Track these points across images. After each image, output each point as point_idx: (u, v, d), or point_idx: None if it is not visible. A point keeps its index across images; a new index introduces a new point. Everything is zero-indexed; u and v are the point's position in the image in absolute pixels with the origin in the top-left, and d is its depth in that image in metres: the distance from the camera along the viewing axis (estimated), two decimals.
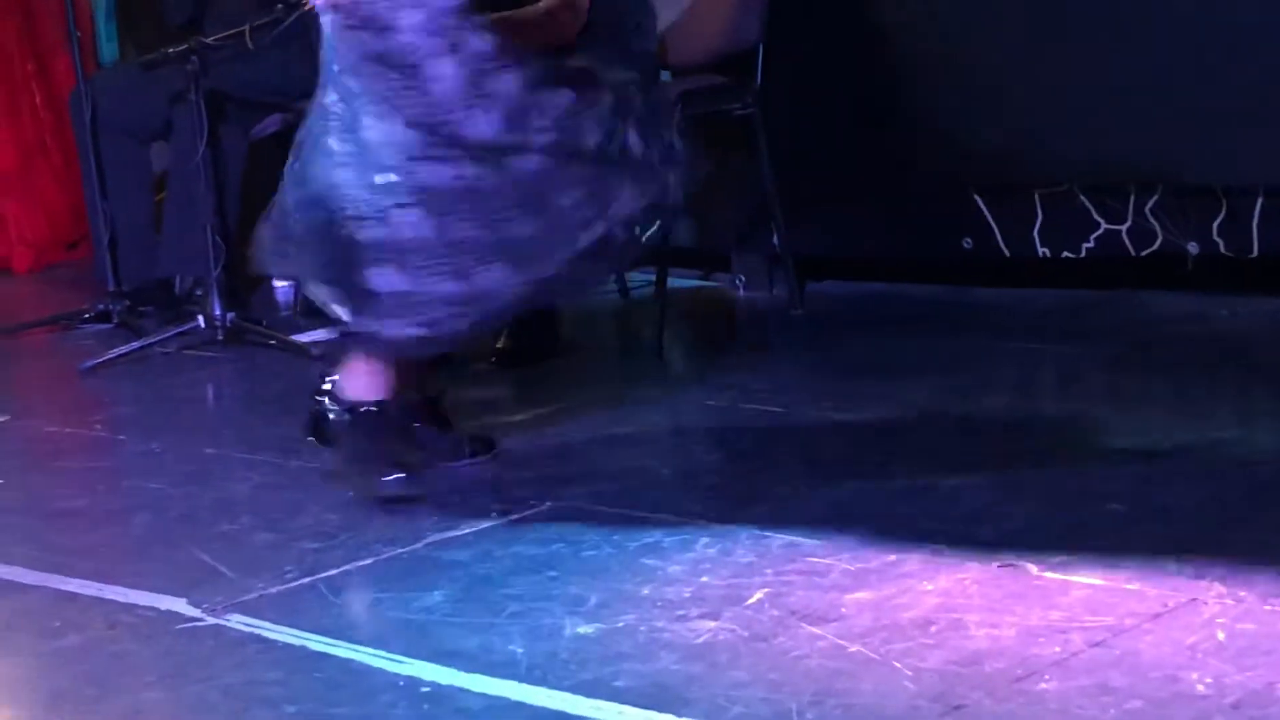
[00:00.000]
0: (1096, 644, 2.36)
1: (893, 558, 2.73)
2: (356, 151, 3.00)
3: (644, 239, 5.08)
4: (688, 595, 2.64)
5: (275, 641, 2.57)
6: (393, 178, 2.98)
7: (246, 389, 4.24)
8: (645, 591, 2.66)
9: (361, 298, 3.01)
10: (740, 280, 5.04)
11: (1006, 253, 4.61)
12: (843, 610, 2.53)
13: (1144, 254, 4.42)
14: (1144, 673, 2.26)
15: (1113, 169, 4.38)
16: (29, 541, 3.13)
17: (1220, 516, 2.85)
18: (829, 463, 3.31)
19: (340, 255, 3.01)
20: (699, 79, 4.65)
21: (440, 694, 2.34)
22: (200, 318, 4.61)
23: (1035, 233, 4.55)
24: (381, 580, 2.80)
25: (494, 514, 3.07)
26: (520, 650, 2.47)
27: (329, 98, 3.06)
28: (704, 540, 2.90)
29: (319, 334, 4.21)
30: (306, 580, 2.81)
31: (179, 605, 2.72)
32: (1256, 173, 4.21)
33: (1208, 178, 4.28)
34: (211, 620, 2.66)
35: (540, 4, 4.26)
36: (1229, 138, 4.18)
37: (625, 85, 3.18)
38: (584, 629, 2.53)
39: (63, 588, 2.86)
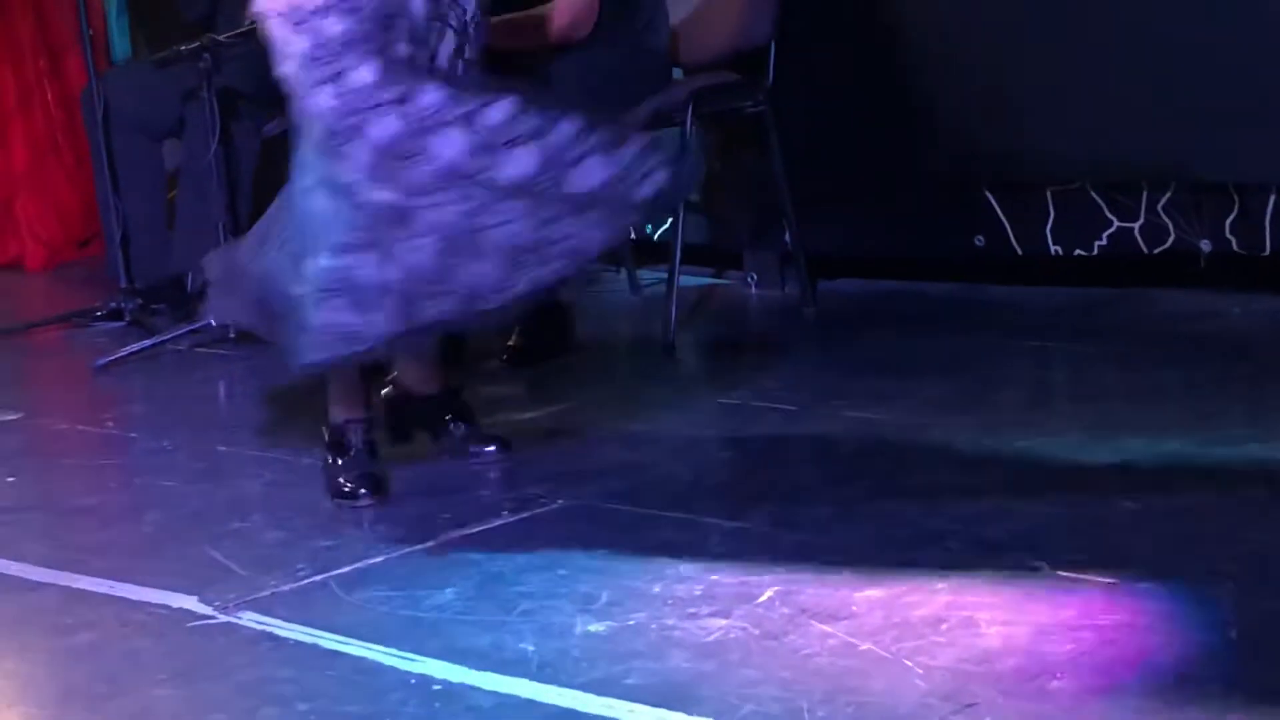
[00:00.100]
0: (1109, 642, 2.35)
1: (904, 556, 2.73)
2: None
3: (655, 236, 5.10)
4: (699, 593, 2.64)
5: (287, 639, 2.57)
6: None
7: (258, 387, 4.24)
8: (656, 589, 2.66)
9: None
10: (752, 278, 5.03)
11: (1019, 250, 4.60)
12: (854, 608, 2.53)
13: (1156, 252, 4.41)
14: (1157, 671, 2.25)
15: (1125, 167, 4.37)
16: (41, 539, 3.13)
17: (1234, 514, 2.85)
18: (840, 461, 3.31)
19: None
20: (711, 77, 4.64)
21: (451, 692, 2.34)
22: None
23: (1047, 230, 4.54)
24: (393, 578, 2.80)
25: (505, 512, 3.07)
26: (531, 648, 2.47)
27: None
28: (715, 538, 2.89)
29: None
30: (318, 578, 2.81)
31: (191, 603, 2.73)
32: (1269, 170, 4.20)
33: (1220, 175, 4.27)
34: (223, 618, 2.67)
35: (550, 4, 4.27)
36: (1242, 135, 4.17)
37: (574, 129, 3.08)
38: (595, 627, 2.53)
39: (74, 585, 2.86)
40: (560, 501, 3.12)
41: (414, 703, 2.32)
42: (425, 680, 2.38)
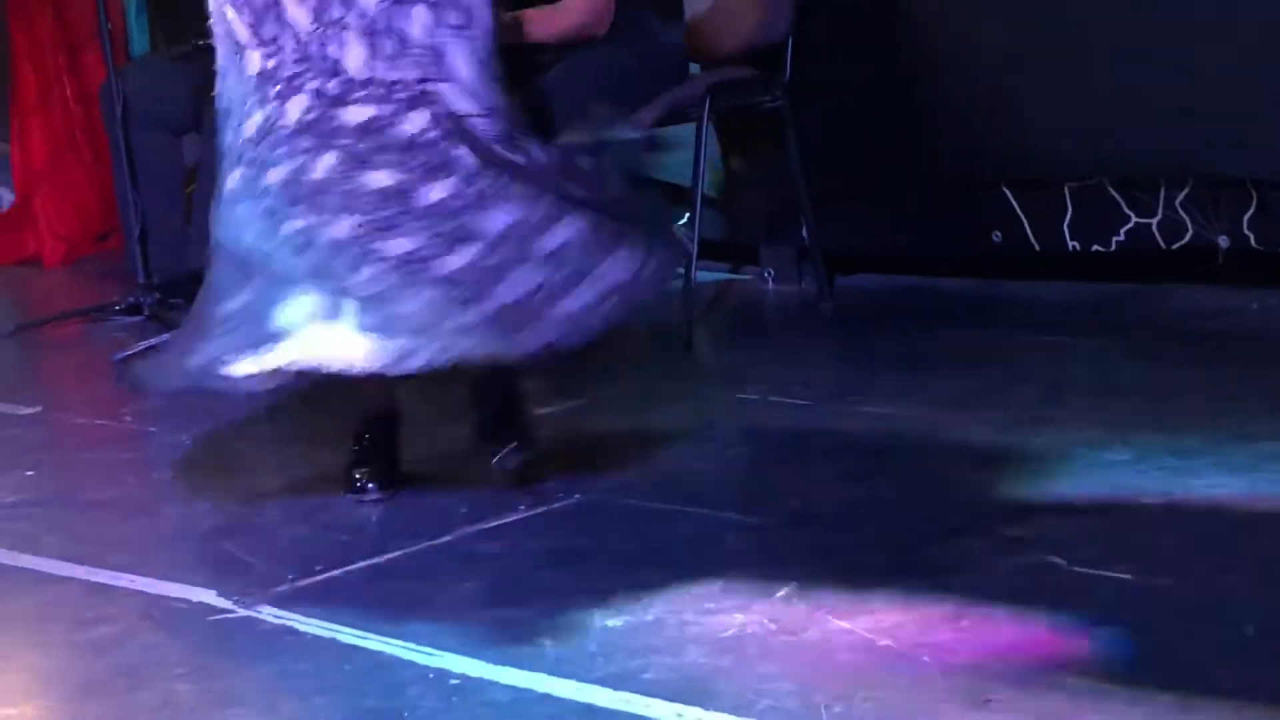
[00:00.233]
0: (1127, 639, 2.35)
1: (922, 552, 2.73)
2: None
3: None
4: (717, 588, 2.64)
5: (305, 633, 2.57)
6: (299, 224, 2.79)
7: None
8: (674, 584, 2.66)
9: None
10: (769, 274, 5.03)
11: (1036, 246, 4.60)
12: (871, 604, 2.53)
13: (1174, 247, 4.40)
14: (1175, 668, 2.25)
15: (1143, 162, 4.37)
16: (61, 532, 3.14)
17: (1252, 510, 2.84)
18: (858, 457, 3.30)
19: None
20: (728, 72, 4.64)
21: (469, 686, 2.35)
22: None
23: (1065, 226, 4.54)
24: (410, 572, 2.81)
25: (523, 506, 3.07)
26: (548, 643, 2.47)
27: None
28: (732, 534, 2.90)
29: None
30: (337, 572, 2.82)
31: (210, 597, 2.73)
32: None
33: (1238, 171, 4.26)
34: (242, 612, 2.67)
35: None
36: (1260, 130, 4.16)
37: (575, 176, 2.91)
38: (612, 622, 2.53)
39: (94, 579, 2.87)
40: (577, 496, 3.12)
41: (432, 696, 2.32)
42: (443, 674, 2.39)
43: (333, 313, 2.75)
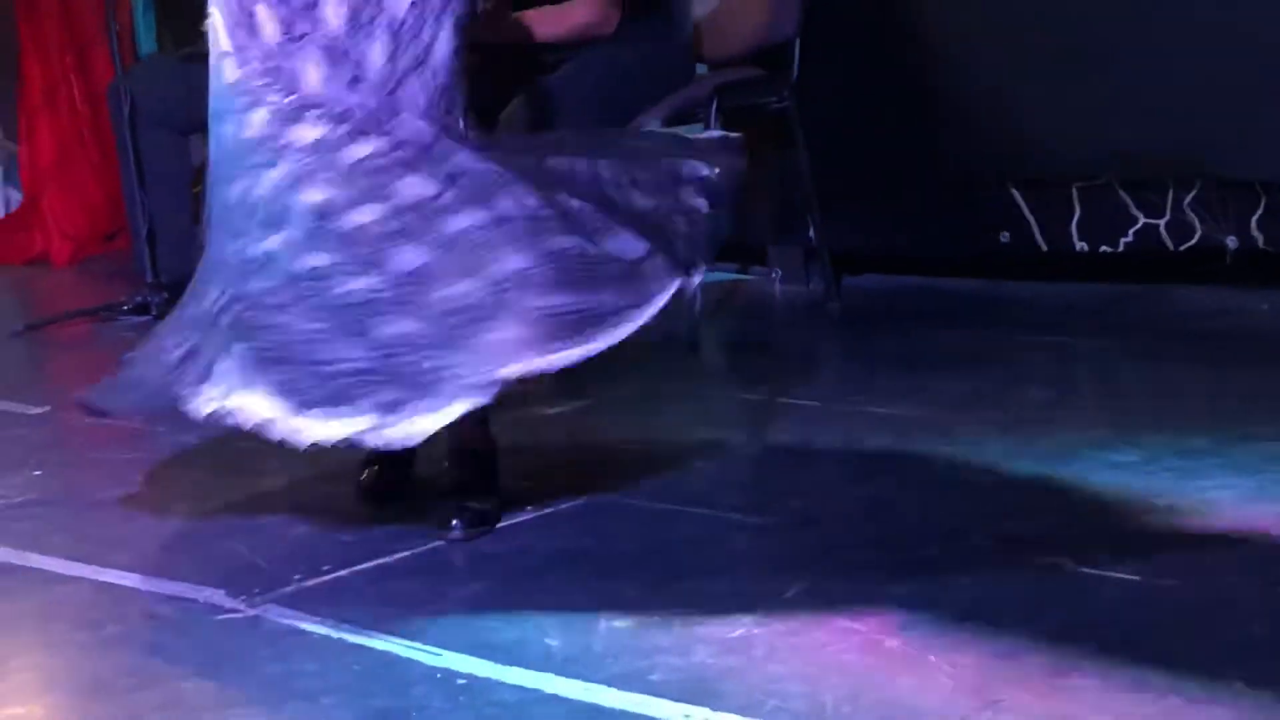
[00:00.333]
0: (1135, 641, 2.35)
1: (928, 552, 2.73)
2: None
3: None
4: (723, 589, 2.64)
5: (312, 633, 2.58)
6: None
7: None
8: (680, 585, 2.66)
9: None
10: (776, 274, 5.03)
11: (1044, 247, 4.60)
12: (878, 605, 2.53)
13: (1182, 248, 4.40)
14: (1182, 670, 2.25)
15: (1151, 163, 4.36)
16: (67, 532, 3.14)
17: (1261, 511, 2.84)
18: (864, 457, 3.30)
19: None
20: (735, 72, 4.64)
21: (476, 686, 2.35)
22: None
23: (1073, 227, 4.54)
24: (418, 572, 2.81)
25: (529, 507, 3.07)
26: (555, 643, 2.47)
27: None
28: (739, 534, 2.90)
29: None
30: (344, 572, 2.82)
31: (216, 597, 2.74)
32: None
33: (1246, 172, 4.26)
34: (249, 612, 2.67)
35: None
36: (1268, 132, 4.16)
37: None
38: (619, 622, 2.53)
39: (101, 578, 2.87)
40: (585, 497, 3.12)
41: (438, 697, 2.32)
42: (450, 674, 2.39)
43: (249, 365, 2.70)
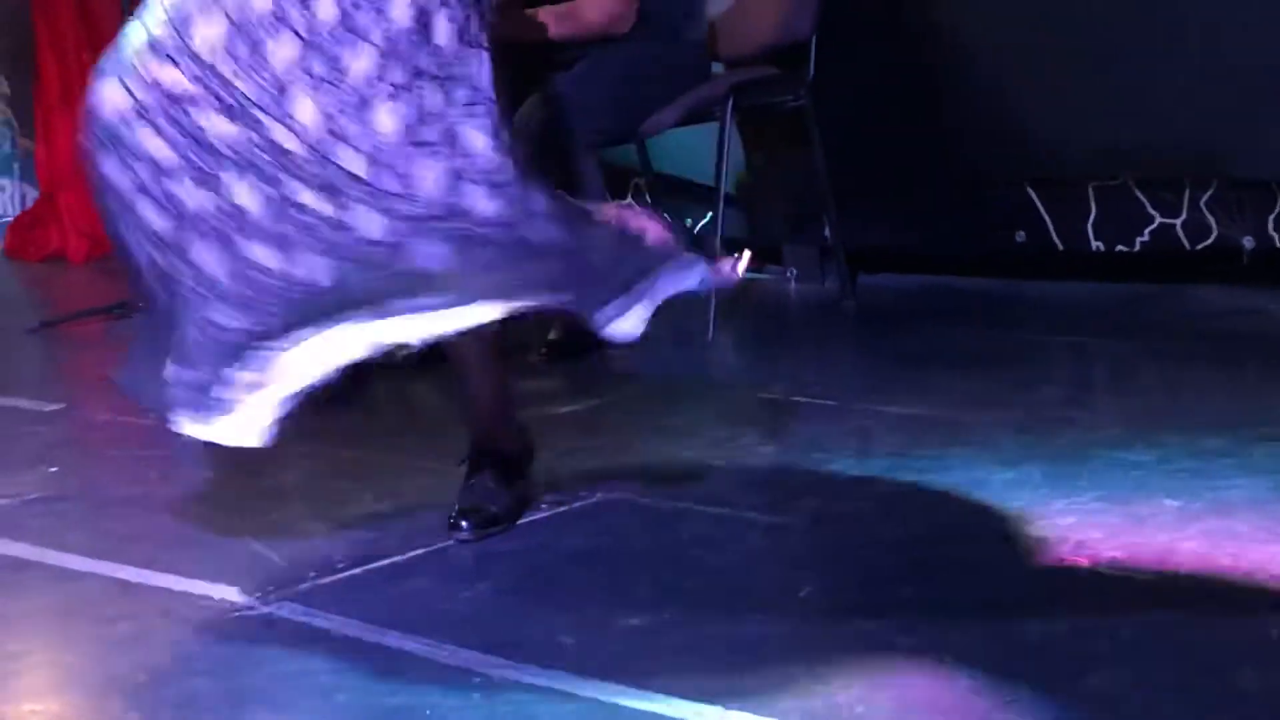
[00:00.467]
0: (1150, 639, 2.34)
1: (945, 551, 2.72)
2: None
3: (695, 230, 5.10)
4: (736, 588, 2.63)
5: (327, 631, 2.58)
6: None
7: None
8: (695, 583, 2.66)
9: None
10: (792, 273, 5.03)
11: (1060, 246, 4.59)
12: (895, 603, 2.53)
13: (1198, 248, 4.40)
14: (1197, 668, 2.24)
15: (1167, 162, 4.36)
16: (83, 529, 3.15)
17: (1275, 511, 2.83)
18: (881, 456, 3.30)
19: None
20: (751, 71, 4.64)
21: (490, 684, 2.35)
22: None
23: (1089, 226, 4.53)
24: (432, 570, 2.81)
25: (544, 505, 3.08)
26: (570, 642, 2.47)
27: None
28: (754, 533, 2.89)
29: None
30: (358, 570, 2.82)
31: (231, 594, 2.74)
32: None
33: (1263, 172, 4.25)
34: (264, 609, 2.68)
35: None
36: None
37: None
38: (633, 621, 2.53)
39: (116, 575, 2.88)
40: (599, 495, 3.12)
41: (452, 695, 2.32)
42: (464, 673, 2.39)
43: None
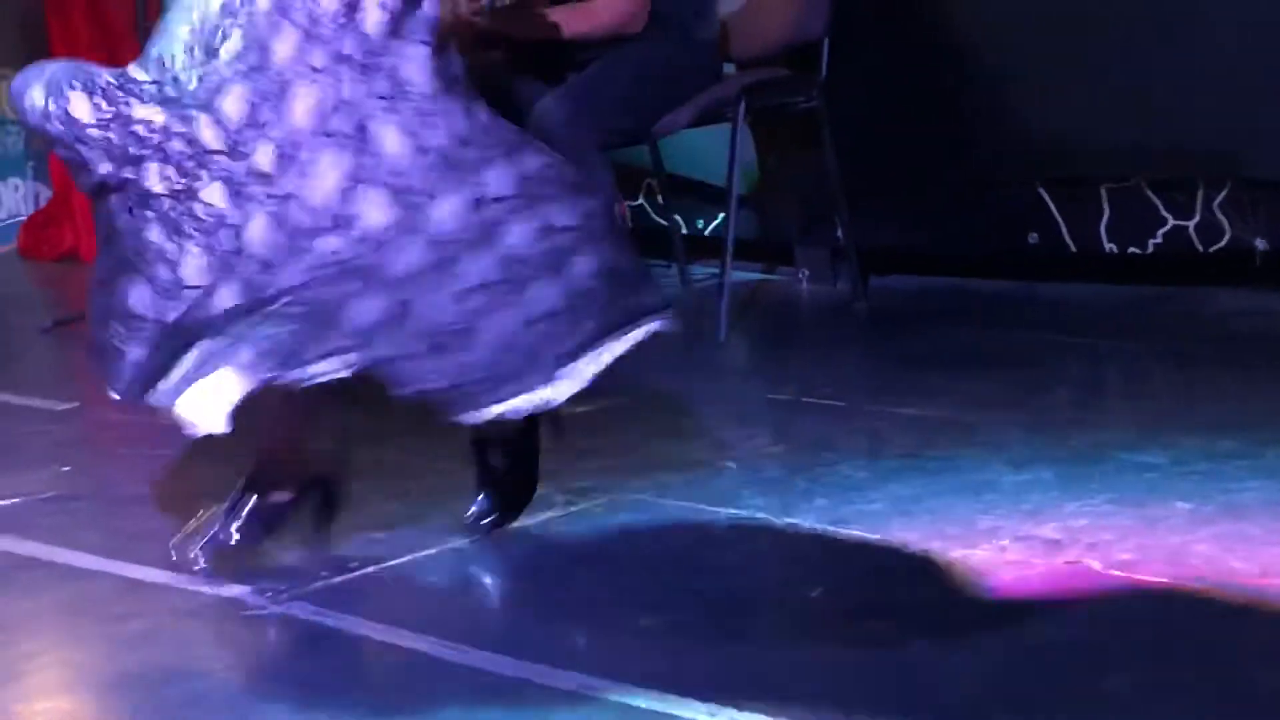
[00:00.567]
0: (1161, 640, 2.34)
1: (956, 553, 2.72)
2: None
3: (707, 232, 5.10)
4: (749, 588, 2.63)
5: (338, 630, 2.58)
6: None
7: None
8: (706, 584, 2.66)
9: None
10: (803, 274, 5.03)
11: (1072, 248, 4.59)
12: (905, 604, 2.52)
13: (1211, 250, 4.39)
14: (1210, 670, 2.24)
15: (1181, 164, 4.35)
16: (95, 527, 3.15)
17: None
18: (892, 457, 3.30)
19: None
20: (763, 71, 4.63)
21: (502, 684, 2.35)
22: None
23: (1102, 228, 4.52)
24: (444, 571, 2.81)
25: (556, 506, 3.08)
26: (582, 642, 2.47)
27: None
28: (766, 534, 2.89)
29: None
30: (370, 570, 2.82)
31: (243, 593, 2.74)
32: None
33: (1276, 173, 4.24)
34: (275, 608, 2.68)
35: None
36: None
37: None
38: (645, 621, 2.53)
39: (128, 574, 2.88)
40: (610, 496, 3.12)
41: (464, 695, 2.32)
42: (475, 673, 2.39)
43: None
